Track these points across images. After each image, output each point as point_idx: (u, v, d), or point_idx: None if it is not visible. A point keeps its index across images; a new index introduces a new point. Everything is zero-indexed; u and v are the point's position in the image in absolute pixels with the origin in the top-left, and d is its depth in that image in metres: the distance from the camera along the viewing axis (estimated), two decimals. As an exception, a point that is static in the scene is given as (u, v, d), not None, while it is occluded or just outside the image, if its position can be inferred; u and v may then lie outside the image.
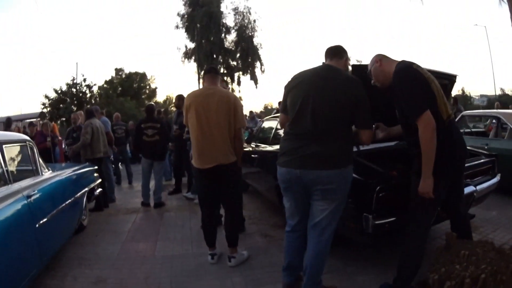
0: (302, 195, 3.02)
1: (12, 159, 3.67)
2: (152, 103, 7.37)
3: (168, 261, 4.48)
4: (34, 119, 14.03)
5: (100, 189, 6.61)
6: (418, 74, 2.84)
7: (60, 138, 9.56)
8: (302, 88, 2.96)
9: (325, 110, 2.83)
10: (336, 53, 3.12)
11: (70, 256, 4.73)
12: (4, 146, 3.50)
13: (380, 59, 3.10)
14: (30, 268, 3.36)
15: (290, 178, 2.96)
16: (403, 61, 2.99)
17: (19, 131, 8.94)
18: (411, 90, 2.75)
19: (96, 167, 6.67)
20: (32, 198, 3.53)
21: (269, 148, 6.01)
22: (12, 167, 3.60)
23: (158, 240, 5.33)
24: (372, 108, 2.94)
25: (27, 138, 4.14)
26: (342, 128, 2.90)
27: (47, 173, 4.46)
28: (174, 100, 8.29)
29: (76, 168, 5.71)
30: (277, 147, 5.01)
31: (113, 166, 9.16)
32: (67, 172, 5.12)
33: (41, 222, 3.59)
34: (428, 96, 2.77)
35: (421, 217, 2.98)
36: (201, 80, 30.45)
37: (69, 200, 4.69)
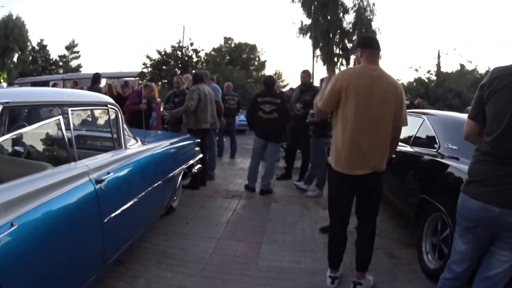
0: (486, 240, 2.33)
1: (82, 127, 2.67)
2: (271, 75, 6.18)
3: (274, 276, 3.46)
4: (133, 78, 13.58)
5: (199, 165, 5.63)
6: None
7: (159, 100, 8.69)
8: None
9: None
10: None
11: (148, 248, 3.81)
12: (71, 109, 2.52)
13: None
14: (88, 273, 2.45)
15: (484, 217, 2.24)
16: None
17: (110, 90, 8.33)
18: None
19: (198, 140, 5.69)
20: (103, 183, 2.53)
21: (409, 149, 4.60)
22: (82, 139, 2.60)
23: (263, 242, 4.22)
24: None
25: (109, 100, 3.11)
26: None
27: (134, 146, 3.46)
28: (301, 75, 7.02)
29: (174, 139, 4.75)
30: (419, 149, 4.36)
31: (217, 137, 8.21)
32: (161, 146, 4.11)
33: (113, 215, 2.62)
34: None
35: None
36: (316, 58, 29.15)
37: (158, 183, 3.69)
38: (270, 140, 6.16)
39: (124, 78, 13.34)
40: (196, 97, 6.10)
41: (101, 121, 3.15)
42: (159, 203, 4.02)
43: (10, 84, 15.04)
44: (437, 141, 4.05)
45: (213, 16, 78.38)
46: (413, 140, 4.65)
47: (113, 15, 72.38)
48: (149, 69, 25.87)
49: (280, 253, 3.93)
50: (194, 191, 6.03)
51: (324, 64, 28.98)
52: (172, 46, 27.37)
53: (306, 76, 7.04)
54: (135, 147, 3.46)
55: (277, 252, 3.95)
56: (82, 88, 10.07)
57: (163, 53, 26.94)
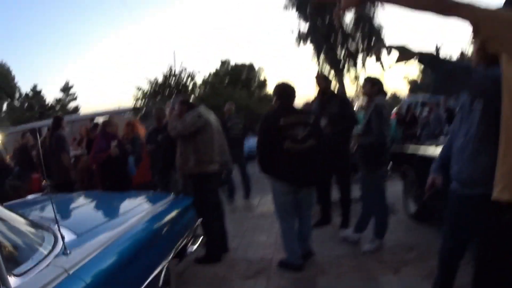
0: None
1: None
2: (286, 82, 4.10)
3: None
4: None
5: (201, 238, 3.72)
6: None
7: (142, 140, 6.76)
8: None
9: None
10: None
11: None
12: None
13: None
14: None
15: None
16: None
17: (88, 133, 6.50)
18: None
19: (189, 202, 3.76)
20: None
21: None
22: None
23: None
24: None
25: None
26: None
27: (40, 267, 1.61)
28: (316, 81, 5.17)
29: (154, 212, 2.98)
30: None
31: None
32: (110, 241, 2.21)
33: None
34: None
35: None
36: (321, 65, 27.07)
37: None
38: (309, 184, 3.96)
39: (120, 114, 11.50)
40: (191, 124, 4.19)
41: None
42: None
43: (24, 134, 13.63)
44: None
45: (204, 39, 75.67)
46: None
47: (103, 48, 70.17)
48: (142, 101, 24.03)
49: None
50: (196, 270, 4.07)
51: (331, 68, 26.86)
52: (164, 75, 25.56)
53: (323, 81, 5.18)
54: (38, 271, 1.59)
55: None
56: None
57: (154, 84, 25.15)
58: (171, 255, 2.86)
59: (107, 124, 5.14)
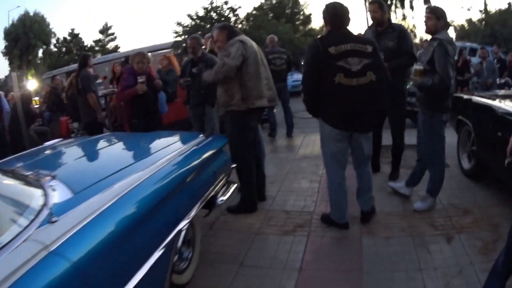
0: None
1: None
2: (338, 1, 3.36)
3: None
4: (167, 50, 11.24)
5: (235, 185, 3.32)
6: None
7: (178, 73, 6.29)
8: None
9: None
10: None
11: None
12: None
13: None
14: None
15: None
16: None
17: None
18: None
19: (223, 143, 3.35)
20: None
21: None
22: None
23: None
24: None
25: None
26: None
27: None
28: (371, 9, 4.43)
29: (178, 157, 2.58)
30: None
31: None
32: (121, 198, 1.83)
33: None
34: None
35: None
36: (368, 4, 25.23)
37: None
38: (366, 129, 3.28)
39: (158, 51, 10.96)
40: (240, 53, 3.60)
41: None
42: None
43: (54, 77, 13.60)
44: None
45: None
46: None
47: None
48: (183, 37, 23.07)
49: None
50: (228, 220, 3.73)
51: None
52: (205, 8, 24.42)
53: (378, 8, 4.35)
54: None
55: None
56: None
57: (195, 17, 24.22)
58: (195, 210, 2.48)
59: (134, 59, 4.67)
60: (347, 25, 3.23)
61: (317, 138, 6.77)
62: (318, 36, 3.59)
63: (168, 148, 2.79)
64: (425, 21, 3.48)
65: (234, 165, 3.45)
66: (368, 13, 4.74)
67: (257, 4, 36.61)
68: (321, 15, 3.28)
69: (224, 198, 3.04)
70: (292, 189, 4.47)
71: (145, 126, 4.61)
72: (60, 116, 7.91)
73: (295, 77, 15.59)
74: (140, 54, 4.74)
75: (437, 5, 3.65)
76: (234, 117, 3.77)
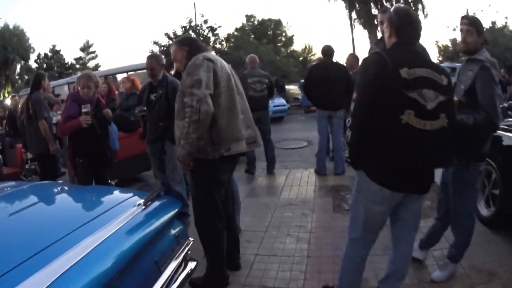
0: None
1: None
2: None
3: None
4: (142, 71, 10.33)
5: (194, 264, 2.34)
6: None
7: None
8: None
9: None
10: None
11: None
12: None
13: None
14: None
15: None
16: None
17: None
18: None
19: (176, 208, 2.38)
20: None
21: None
22: None
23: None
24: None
25: None
26: None
27: None
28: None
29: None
30: None
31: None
32: None
33: None
34: None
35: None
36: (353, 22, 25.09)
37: None
38: (424, 188, 2.19)
39: (137, 71, 10.06)
40: (212, 77, 2.67)
41: None
42: None
43: (13, 97, 12.71)
44: None
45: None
46: None
47: (119, 5, 68.53)
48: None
49: None
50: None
51: (364, 28, 24.83)
52: (183, 27, 23.94)
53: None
54: None
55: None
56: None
57: (173, 36, 23.46)
58: None
59: (79, 82, 3.72)
60: (419, 39, 2.29)
61: (302, 175, 5.93)
62: (380, 49, 2.53)
63: (102, 219, 1.85)
64: (463, 37, 2.64)
65: (191, 240, 2.44)
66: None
67: (239, 25, 36.39)
68: (388, 20, 2.26)
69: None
70: (274, 252, 3.51)
71: (92, 166, 3.70)
72: (16, 142, 6.99)
73: (277, 102, 14.84)
74: (84, 77, 3.81)
75: (474, 15, 2.86)
76: (200, 168, 2.79)
